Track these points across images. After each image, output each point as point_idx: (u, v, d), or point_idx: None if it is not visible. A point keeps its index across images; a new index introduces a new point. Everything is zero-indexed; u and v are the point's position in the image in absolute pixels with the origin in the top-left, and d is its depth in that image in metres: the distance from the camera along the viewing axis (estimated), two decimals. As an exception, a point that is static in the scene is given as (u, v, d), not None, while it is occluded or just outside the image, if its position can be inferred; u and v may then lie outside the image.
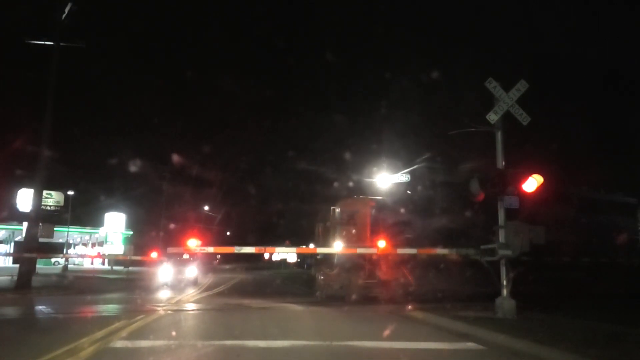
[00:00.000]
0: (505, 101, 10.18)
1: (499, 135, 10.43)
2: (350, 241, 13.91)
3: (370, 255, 13.14)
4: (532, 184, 10.18)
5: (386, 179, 15.63)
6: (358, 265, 13.58)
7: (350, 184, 17.28)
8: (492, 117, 10.20)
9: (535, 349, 6.67)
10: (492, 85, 10.25)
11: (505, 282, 10.00)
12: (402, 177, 15.33)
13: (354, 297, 13.32)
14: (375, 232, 13.68)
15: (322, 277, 14.66)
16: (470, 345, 7.47)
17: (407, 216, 14.46)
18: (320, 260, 15.63)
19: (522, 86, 10.26)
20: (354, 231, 14.09)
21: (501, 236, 10.23)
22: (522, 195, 10.43)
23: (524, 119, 10.20)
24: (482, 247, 10.91)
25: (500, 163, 10.38)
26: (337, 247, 14.31)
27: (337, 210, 14.78)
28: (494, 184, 10.32)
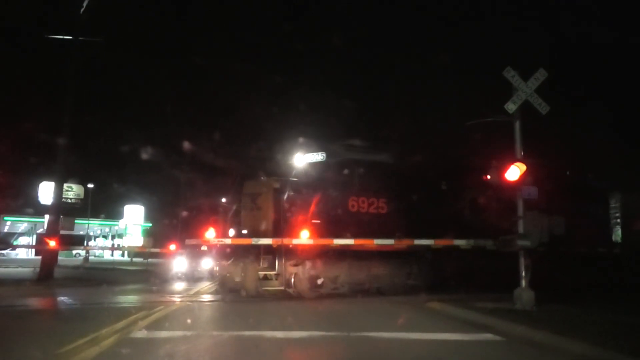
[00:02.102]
0: (524, 90, 10.03)
1: (517, 125, 10.30)
2: (254, 227, 12.39)
3: (271, 244, 11.89)
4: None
5: (300, 159, 13.87)
6: (255, 254, 12.08)
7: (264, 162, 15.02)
8: (511, 106, 10.06)
9: (555, 340, 6.62)
10: (511, 74, 10.10)
11: (523, 273, 9.90)
12: (317, 156, 13.72)
13: (251, 290, 12.03)
14: (279, 217, 12.11)
15: (217, 269, 13.51)
16: (489, 336, 7.43)
17: (318, 199, 12.65)
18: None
19: (541, 75, 10.09)
20: (257, 216, 12.45)
21: (520, 227, 10.12)
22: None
23: (543, 108, 10.04)
24: (501, 237, 10.81)
25: (519, 153, 10.26)
26: (230, 234, 13.09)
27: (241, 192, 13.27)
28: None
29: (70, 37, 17.71)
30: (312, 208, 12.39)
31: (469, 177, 14.05)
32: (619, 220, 15.72)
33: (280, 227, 11.96)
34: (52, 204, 18.96)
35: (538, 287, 9.90)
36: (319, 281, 12.21)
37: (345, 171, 13.09)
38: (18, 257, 44.01)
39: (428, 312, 10.10)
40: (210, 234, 12.49)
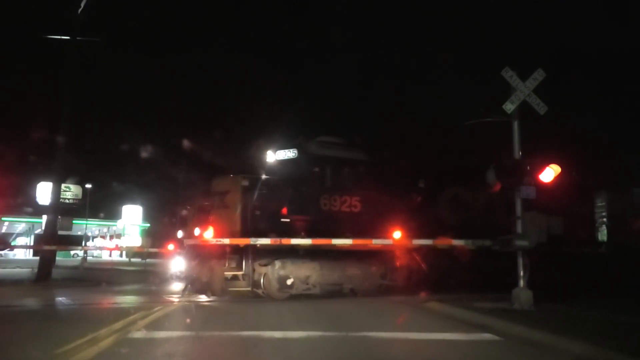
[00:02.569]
0: (522, 90, 10.04)
1: (515, 125, 10.31)
2: (222, 226, 11.99)
3: (238, 243, 11.52)
4: (549, 174, 10.09)
5: (271, 156, 13.24)
6: (222, 254, 11.69)
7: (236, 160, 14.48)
8: (509, 106, 10.07)
9: (553, 340, 6.62)
10: (509, 74, 10.11)
11: (522, 273, 9.92)
12: (289, 153, 13.02)
13: (218, 291, 11.71)
14: (248, 216, 11.63)
15: (184, 270, 12.96)
16: (487, 336, 7.43)
17: (289, 197, 12.22)
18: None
19: (539, 75, 10.10)
20: (225, 215, 12.02)
21: (518, 227, 10.14)
22: (539, 186, 10.32)
23: (541, 108, 10.05)
24: (499, 238, 10.83)
25: (517, 153, 10.27)
26: (195, 234, 12.59)
27: (210, 190, 12.87)
28: (510, 174, 10.23)
29: (68, 37, 17.70)
30: (282, 206, 12.09)
31: (450, 175, 13.97)
32: (605, 219, 15.53)
33: (249, 226, 11.55)
34: (50, 204, 18.94)
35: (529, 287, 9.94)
36: (289, 281, 11.87)
37: (317, 169, 12.71)
38: (16, 257, 43.92)
39: (426, 312, 10.10)
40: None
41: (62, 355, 5.78)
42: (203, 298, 12.04)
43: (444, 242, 12.78)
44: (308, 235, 11.82)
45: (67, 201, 41.34)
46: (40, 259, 17.71)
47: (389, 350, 6.60)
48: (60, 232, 20.69)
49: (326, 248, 11.92)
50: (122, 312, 9.39)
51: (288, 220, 11.96)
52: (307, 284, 12.10)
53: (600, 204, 15.28)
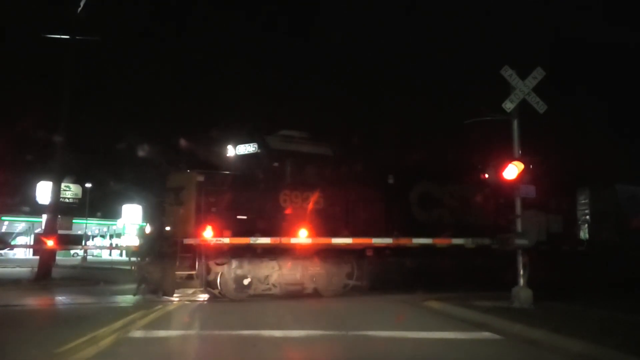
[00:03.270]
0: (522, 89, 10.04)
1: (515, 124, 10.31)
2: (176, 224, 11.67)
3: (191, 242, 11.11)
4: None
5: (230, 150, 12.64)
6: (175, 253, 11.15)
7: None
8: (508, 105, 10.07)
9: (553, 339, 6.62)
10: (508, 73, 10.10)
11: (521, 271, 9.92)
12: (249, 147, 12.33)
13: (169, 292, 11.23)
14: (203, 213, 11.12)
15: (134, 269, 12.36)
16: (487, 334, 7.44)
17: (246, 193, 11.61)
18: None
19: (538, 74, 10.10)
20: (180, 212, 11.59)
21: (518, 225, 10.14)
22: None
23: (540, 107, 10.05)
24: (498, 236, 10.83)
25: (517, 152, 10.27)
26: (147, 231, 12.47)
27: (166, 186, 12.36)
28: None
29: (67, 37, 17.68)
30: (239, 203, 11.54)
31: (422, 172, 13.61)
32: (587, 217, 15.08)
33: (203, 224, 11.01)
34: (50, 204, 18.92)
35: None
36: (245, 281, 11.47)
37: (277, 164, 12.04)
38: (16, 257, 43.94)
39: (426, 311, 10.10)
40: (207, 233, 12.21)
41: (61, 354, 5.78)
42: (204, 297, 11.98)
43: (406, 241, 12.59)
44: (266, 233, 11.38)
45: (67, 200, 41.32)
46: (40, 258, 17.70)
47: (389, 349, 6.60)
48: (60, 232, 20.66)
49: (286, 247, 11.57)
50: (121, 312, 9.40)
51: (245, 217, 11.46)
52: (267, 284, 11.73)
53: (583, 201, 15.03)
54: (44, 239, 17.63)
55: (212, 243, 10.94)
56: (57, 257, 22.79)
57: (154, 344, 6.68)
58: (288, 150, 12.27)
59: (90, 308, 10.69)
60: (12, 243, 53.00)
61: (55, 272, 18.02)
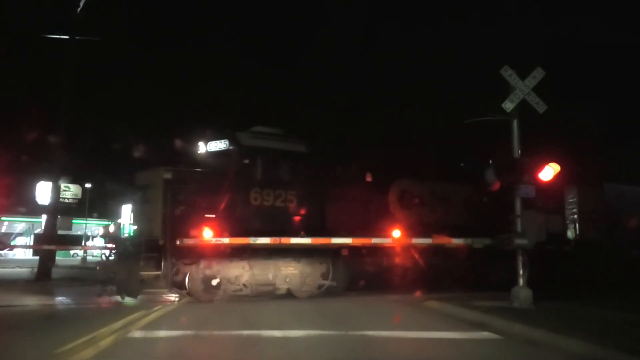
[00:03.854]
0: (522, 89, 10.05)
1: (514, 124, 10.33)
2: (143, 223, 11.35)
3: (156, 239, 10.75)
4: (548, 172, 10.11)
5: (200, 147, 12.26)
6: (137, 253, 10.81)
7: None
8: (508, 105, 10.08)
9: (553, 339, 6.62)
10: (508, 73, 10.11)
11: (521, 271, 9.93)
12: (220, 144, 11.95)
13: (134, 293, 10.83)
14: (170, 211, 10.72)
15: (98, 268, 11.86)
16: (486, 334, 7.44)
17: (215, 191, 11.21)
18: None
19: (538, 74, 10.11)
20: (146, 210, 11.27)
21: (518, 225, 10.14)
22: (538, 184, 10.33)
23: (540, 107, 10.06)
24: (498, 236, 10.83)
25: (516, 152, 10.28)
26: (111, 230, 12.14)
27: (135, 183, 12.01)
28: (509, 172, 10.24)
29: (67, 37, 17.68)
30: (208, 202, 11.18)
31: (402, 169, 13.42)
32: (575, 217, 14.89)
33: (170, 223, 10.68)
34: (50, 204, 18.93)
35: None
36: (214, 282, 11.21)
37: (247, 161, 11.66)
38: (15, 257, 43.90)
39: (426, 311, 10.11)
40: (207, 233, 12.09)
41: (61, 355, 5.78)
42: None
43: (385, 241, 12.36)
44: (236, 232, 11.07)
45: (66, 201, 41.26)
46: (40, 258, 17.71)
47: (389, 349, 6.60)
48: (59, 232, 20.65)
49: (256, 247, 11.23)
50: (121, 312, 9.38)
51: (214, 216, 11.11)
52: (238, 284, 11.44)
53: (571, 200, 14.91)
54: (44, 240, 17.63)
55: (178, 242, 10.63)
56: (56, 258, 22.79)
57: (154, 344, 6.68)
58: (260, 146, 11.91)
59: (90, 308, 10.69)
60: (12, 243, 52.94)
61: (55, 273, 18.02)
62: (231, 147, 11.75)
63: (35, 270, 17.35)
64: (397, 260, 12.58)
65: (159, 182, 11.01)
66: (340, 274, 12.31)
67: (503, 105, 10.08)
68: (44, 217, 24.77)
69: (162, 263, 10.73)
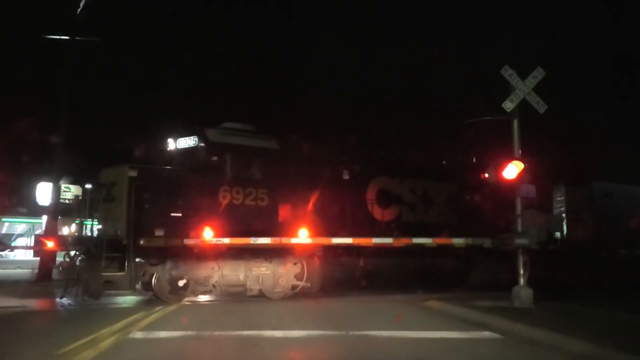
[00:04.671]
0: (522, 89, 10.05)
1: (515, 124, 10.33)
2: (107, 221, 10.98)
3: (120, 239, 10.42)
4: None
5: (169, 144, 11.84)
6: (99, 253, 10.38)
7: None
8: (508, 105, 10.08)
9: (553, 338, 6.63)
10: (508, 73, 10.11)
11: (522, 271, 9.92)
12: (189, 140, 11.55)
13: (95, 294, 10.46)
14: (134, 209, 10.37)
15: (61, 269, 11.37)
16: (487, 334, 7.45)
17: (182, 189, 10.92)
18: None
19: (538, 74, 10.11)
20: (110, 208, 10.89)
21: (518, 225, 10.14)
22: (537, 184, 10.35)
23: (540, 106, 10.06)
24: (498, 236, 10.83)
25: (517, 152, 10.28)
26: (72, 229, 11.78)
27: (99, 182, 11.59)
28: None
29: (67, 37, 17.67)
30: (174, 200, 10.86)
31: (380, 167, 13.24)
32: (563, 215, 14.72)
33: (135, 222, 10.35)
34: (50, 205, 18.93)
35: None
36: (181, 283, 10.91)
37: (216, 158, 11.38)
38: (16, 258, 43.90)
39: (427, 311, 10.11)
40: (208, 233, 11.96)
41: (62, 356, 5.79)
42: (205, 298, 11.90)
43: (361, 240, 12.15)
44: (204, 231, 10.81)
45: (67, 201, 41.21)
46: (40, 259, 17.71)
47: (390, 349, 6.60)
48: (60, 233, 20.64)
49: (225, 246, 10.95)
50: (122, 312, 9.40)
51: (180, 215, 10.82)
52: (207, 285, 11.18)
53: (559, 199, 14.81)
54: (44, 240, 17.61)
55: (142, 242, 10.31)
56: (57, 259, 22.80)
57: (155, 345, 6.68)
58: (229, 143, 11.61)
59: (91, 309, 10.67)
60: (12, 244, 52.92)
61: (55, 273, 18.01)
62: (200, 144, 11.44)
63: (36, 271, 17.34)
64: (374, 260, 12.42)
65: (123, 179, 10.67)
66: (315, 274, 12.07)
67: (503, 105, 10.08)
68: (45, 218, 24.80)
69: (126, 264, 10.37)
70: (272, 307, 10.51)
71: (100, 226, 11.37)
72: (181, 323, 8.54)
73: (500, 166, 10.07)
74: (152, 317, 8.73)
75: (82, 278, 10.45)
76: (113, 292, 10.88)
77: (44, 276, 16.80)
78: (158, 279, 10.91)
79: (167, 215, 10.70)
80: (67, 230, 12.27)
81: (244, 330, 7.56)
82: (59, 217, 18.73)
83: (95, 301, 10.48)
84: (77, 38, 17.71)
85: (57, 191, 18.69)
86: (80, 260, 10.73)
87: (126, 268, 10.36)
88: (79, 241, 11.28)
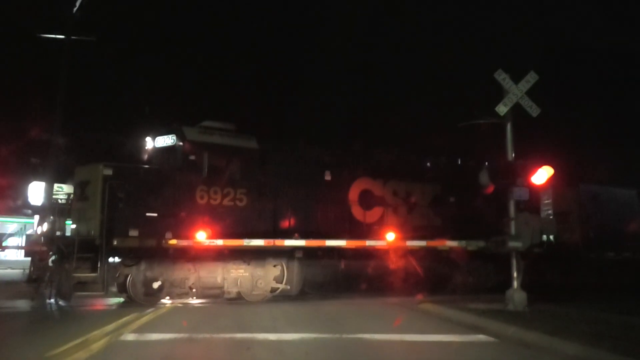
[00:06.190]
0: (515, 93, 10.08)
1: (508, 127, 10.36)
2: (80, 221, 10.86)
3: (93, 239, 10.23)
4: (542, 175, 10.15)
5: (146, 142, 11.67)
6: (70, 253, 10.22)
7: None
8: (502, 108, 10.11)
9: (547, 341, 6.64)
10: (502, 77, 10.15)
11: (515, 274, 9.94)
12: (166, 139, 11.32)
13: (66, 296, 10.32)
14: (108, 209, 10.18)
15: (32, 270, 11.24)
16: (481, 337, 7.45)
17: (158, 189, 10.72)
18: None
19: (531, 78, 10.15)
20: (85, 208, 10.71)
21: (512, 228, 10.16)
22: (532, 187, 10.37)
23: (533, 110, 10.10)
24: (492, 239, 10.84)
25: (510, 155, 10.31)
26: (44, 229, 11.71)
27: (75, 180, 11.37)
28: (503, 175, 10.26)
29: (62, 36, 17.56)
30: (150, 199, 10.62)
31: (364, 168, 13.10)
32: (550, 218, 14.87)
33: (108, 222, 10.17)
34: (42, 205, 18.78)
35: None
36: (155, 285, 10.70)
37: (193, 157, 11.16)
38: (7, 258, 43.57)
39: (421, 314, 10.10)
40: (201, 235, 11.75)
41: (53, 357, 5.73)
42: (198, 300, 11.77)
43: (343, 242, 11.96)
44: (179, 232, 10.67)
45: (59, 201, 40.95)
46: (32, 260, 17.55)
47: (384, 352, 6.59)
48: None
49: (202, 248, 10.79)
50: (114, 314, 9.33)
51: (156, 214, 10.62)
52: (183, 287, 10.99)
53: (546, 201, 14.80)
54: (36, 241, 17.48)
55: (116, 242, 10.14)
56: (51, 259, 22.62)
57: (147, 347, 6.63)
58: (207, 142, 11.40)
59: (83, 310, 10.60)
60: (4, 244, 52.45)
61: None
62: (178, 143, 11.24)
63: (27, 271, 17.19)
64: (355, 263, 12.33)
65: (97, 178, 10.48)
66: (294, 277, 11.88)
67: (497, 108, 10.12)
68: (37, 217, 24.61)
69: (99, 264, 10.18)
70: (265, 309, 10.46)
71: (74, 226, 11.17)
72: (173, 325, 8.48)
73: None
74: (145, 319, 8.68)
75: (53, 279, 10.30)
76: (85, 293, 10.66)
77: (36, 276, 16.64)
78: (132, 281, 10.75)
79: (142, 215, 10.51)
80: (40, 229, 12.04)
81: (236, 332, 7.51)
82: (51, 217, 18.59)
83: (67, 302, 10.33)
84: (72, 37, 17.61)
85: (49, 191, 18.53)
86: (52, 261, 10.56)
87: (99, 269, 10.19)
88: (51, 241, 11.05)
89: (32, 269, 11.24)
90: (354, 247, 12.20)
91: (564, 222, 14.28)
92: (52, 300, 10.48)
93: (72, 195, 11.57)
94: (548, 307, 9.68)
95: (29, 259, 18.24)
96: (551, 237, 13.09)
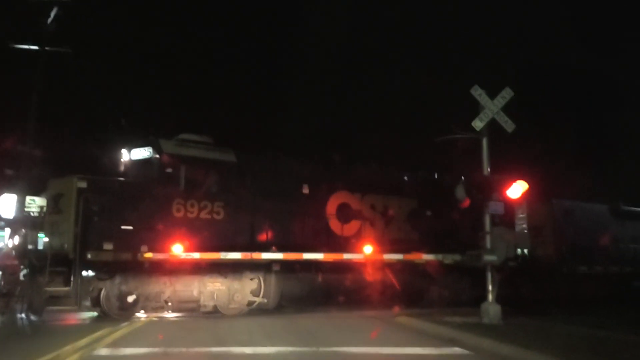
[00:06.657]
0: (491, 108, 10.28)
1: (484, 142, 10.53)
2: (53, 234, 10.68)
3: (65, 252, 10.10)
4: (516, 190, 10.31)
5: (122, 155, 11.60)
6: (42, 267, 10.03)
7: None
8: (478, 124, 10.29)
9: (522, 354, 6.71)
10: (478, 92, 10.34)
11: (490, 287, 10.05)
12: (143, 152, 11.22)
13: (38, 311, 10.14)
14: (82, 222, 10.07)
15: (3, 283, 10.98)
16: (456, 350, 7.50)
17: (133, 202, 10.62)
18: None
19: (507, 94, 10.37)
20: (58, 221, 10.62)
21: (487, 242, 10.28)
22: (507, 201, 10.53)
23: (508, 126, 10.30)
24: (468, 252, 10.95)
25: (486, 169, 10.47)
26: (15, 242, 11.57)
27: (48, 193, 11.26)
28: (479, 189, 10.40)
29: (36, 47, 17.35)
30: (125, 212, 10.52)
31: (340, 181, 13.17)
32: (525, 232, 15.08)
33: (82, 235, 10.06)
34: (14, 218, 18.38)
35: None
36: (130, 299, 10.59)
37: (170, 169, 11.05)
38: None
39: (397, 327, 10.13)
40: (177, 248, 11.65)
41: (23, 373, 5.60)
42: (173, 314, 11.65)
43: (320, 255, 11.99)
44: (156, 245, 10.55)
45: (32, 214, 40.13)
46: (3, 274, 17.14)
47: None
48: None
49: (178, 261, 10.67)
50: (87, 329, 9.16)
51: (131, 228, 10.49)
52: (158, 301, 10.88)
53: (520, 215, 15.02)
54: (7, 255, 17.10)
55: (89, 256, 10.01)
56: (22, 273, 22.11)
57: (121, 362, 6.52)
58: (184, 155, 11.34)
59: (55, 325, 10.37)
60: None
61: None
62: (154, 155, 11.13)
63: (-2, 286, 16.76)
64: (333, 276, 12.37)
65: (72, 191, 10.36)
66: (272, 290, 11.84)
67: (473, 123, 10.29)
68: (7, 230, 24.09)
69: (72, 278, 10.04)
70: (242, 323, 10.37)
71: (46, 239, 10.98)
72: (148, 339, 8.36)
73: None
74: (119, 334, 8.53)
75: (25, 293, 10.07)
76: (57, 308, 10.46)
77: (7, 291, 16.26)
78: (106, 295, 10.61)
79: (117, 228, 10.37)
80: (11, 242, 11.87)
81: (212, 346, 7.44)
82: (23, 230, 18.21)
83: (39, 317, 10.09)
84: (47, 48, 17.42)
85: (21, 203, 18.16)
86: (23, 275, 10.36)
87: (72, 283, 10.04)
88: (23, 254, 10.88)
89: (2, 282, 10.99)
90: (331, 260, 12.20)
91: (537, 237, 14.37)
92: (23, 315, 10.21)
93: (44, 208, 11.26)
94: (523, 320, 9.80)
95: (0, 272, 17.92)
96: (525, 251, 13.22)
